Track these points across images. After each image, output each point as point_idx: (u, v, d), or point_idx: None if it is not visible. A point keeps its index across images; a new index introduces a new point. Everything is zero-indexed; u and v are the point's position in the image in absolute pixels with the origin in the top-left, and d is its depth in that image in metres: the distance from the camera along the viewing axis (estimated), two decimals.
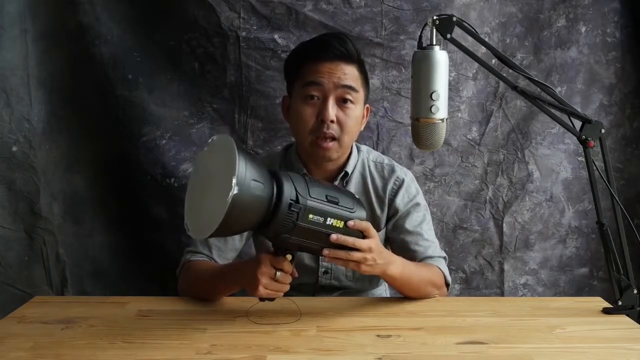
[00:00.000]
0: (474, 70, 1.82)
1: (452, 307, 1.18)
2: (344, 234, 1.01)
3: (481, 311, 1.15)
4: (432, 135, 1.08)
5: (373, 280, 1.40)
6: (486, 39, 1.52)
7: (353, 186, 1.34)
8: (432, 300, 1.22)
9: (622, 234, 1.14)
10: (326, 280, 1.35)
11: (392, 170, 1.36)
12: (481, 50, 1.55)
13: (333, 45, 1.23)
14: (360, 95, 1.27)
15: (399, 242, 1.32)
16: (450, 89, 1.41)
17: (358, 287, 1.38)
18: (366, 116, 1.35)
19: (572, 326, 1.07)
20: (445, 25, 1.08)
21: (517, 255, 1.90)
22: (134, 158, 1.76)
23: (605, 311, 1.15)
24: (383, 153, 1.46)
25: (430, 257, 1.29)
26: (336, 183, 1.32)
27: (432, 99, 1.05)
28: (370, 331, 1.05)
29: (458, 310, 1.16)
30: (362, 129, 1.33)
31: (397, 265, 1.13)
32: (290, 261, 1.04)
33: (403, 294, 1.22)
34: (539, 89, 1.16)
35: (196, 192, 0.99)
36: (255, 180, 0.90)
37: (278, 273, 1.03)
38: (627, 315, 1.13)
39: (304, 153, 1.31)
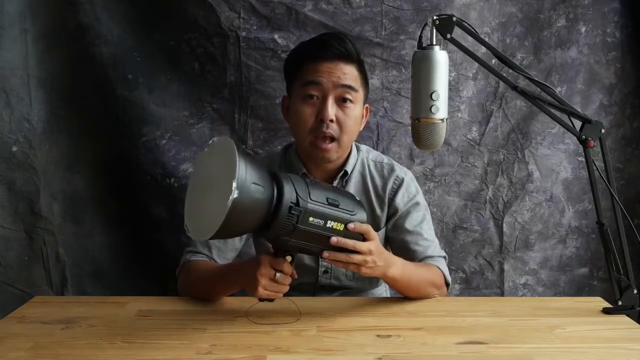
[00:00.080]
0: (474, 70, 1.82)
1: (452, 307, 1.18)
2: (344, 236, 1.01)
3: (481, 311, 1.15)
4: (432, 135, 1.08)
5: (373, 279, 1.40)
6: (486, 39, 1.52)
7: (353, 185, 1.34)
8: (432, 300, 1.22)
9: (622, 234, 1.14)
10: (326, 279, 1.35)
11: (392, 170, 1.36)
12: (481, 50, 1.55)
13: (332, 45, 1.23)
14: (360, 94, 1.27)
15: (398, 242, 1.32)
16: (450, 89, 1.41)
17: (358, 286, 1.38)
18: (366, 116, 1.35)
19: (572, 326, 1.07)
20: (445, 25, 1.08)
21: (517, 255, 1.90)
22: (134, 158, 1.76)
23: (605, 311, 1.15)
24: (383, 153, 1.46)
25: (430, 256, 1.29)
26: (335, 182, 1.32)
27: (432, 99, 1.05)
28: (370, 331, 1.05)
29: (458, 310, 1.16)
30: (361, 128, 1.33)
31: (397, 267, 1.13)
32: (290, 262, 1.04)
33: (403, 295, 1.22)
34: (539, 89, 1.16)
35: (196, 193, 0.99)
36: (256, 184, 0.90)
37: (278, 274, 1.03)
38: (627, 315, 1.13)
39: (304, 153, 1.31)
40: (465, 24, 1.10)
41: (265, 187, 0.92)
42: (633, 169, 1.88)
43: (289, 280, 1.05)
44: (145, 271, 1.81)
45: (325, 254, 1.01)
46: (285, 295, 1.07)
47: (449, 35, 1.08)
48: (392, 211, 1.34)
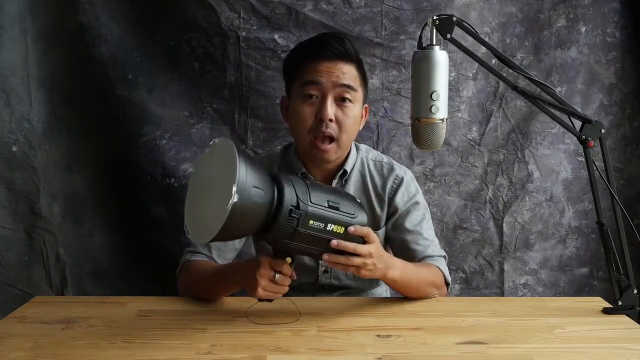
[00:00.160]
0: (474, 70, 1.82)
1: (452, 307, 1.18)
2: (344, 239, 1.01)
3: (481, 311, 1.15)
4: (432, 135, 1.07)
5: (373, 279, 1.40)
6: (486, 39, 1.52)
7: (352, 185, 1.34)
8: (432, 300, 1.22)
9: (622, 234, 1.14)
10: (326, 279, 1.35)
11: (392, 169, 1.36)
12: (481, 50, 1.55)
13: (331, 45, 1.23)
14: (359, 94, 1.27)
15: (398, 241, 1.32)
16: (450, 89, 1.41)
17: (358, 286, 1.38)
18: (365, 116, 1.35)
19: (572, 326, 1.07)
20: (445, 25, 1.08)
21: (517, 255, 1.90)
22: (134, 158, 1.76)
23: (605, 311, 1.15)
24: (383, 153, 1.45)
25: (430, 256, 1.29)
26: (335, 181, 1.32)
27: (432, 99, 1.05)
28: (370, 331, 1.05)
29: (458, 310, 1.16)
30: (360, 128, 1.33)
31: (397, 269, 1.13)
32: (290, 264, 1.04)
33: (403, 295, 1.22)
34: (539, 89, 1.16)
35: (196, 194, 0.98)
36: (256, 187, 0.90)
37: (277, 275, 1.03)
38: (627, 315, 1.12)
39: (303, 153, 1.31)
40: (465, 24, 1.10)
41: (265, 191, 0.91)
42: (633, 169, 1.88)
43: (288, 281, 1.05)
44: (145, 271, 1.81)
45: (325, 256, 1.01)
46: (285, 294, 1.07)
47: (449, 35, 1.08)
48: (392, 210, 1.34)
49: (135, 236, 1.81)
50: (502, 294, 1.90)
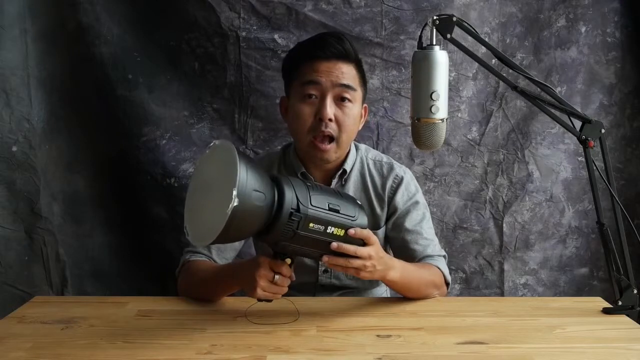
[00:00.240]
0: (474, 70, 1.82)
1: (452, 307, 1.18)
2: (344, 241, 1.01)
3: (481, 311, 1.15)
4: (432, 135, 1.08)
5: (373, 279, 1.40)
6: (486, 39, 1.52)
7: (352, 184, 1.34)
8: (432, 300, 1.22)
9: (622, 234, 1.14)
10: (326, 279, 1.35)
11: (391, 168, 1.36)
12: (481, 50, 1.55)
13: (330, 44, 1.24)
14: (358, 94, 1.27)
15: (398, 241, 1.32)
16: (450, 89, 1.41)
17: (358, 286, 1.38)
18: (364, 115, 1.35)
19: (572, 326, 1.07)
20: (445, 25, 1.08)
21: (517, 255, 1.90)
22: (134, 158, 1.76)
23: (605, 311, 1.15)
24: (383, 153, 1.46)
25: (430, 256, 1.29)
26: (335, 181, 1.32)
27: (432, 99, 1.05)
28: (370, 331, 1.05)
29: (458, 310, 1.16)
30: (360, 128, 1.33)
31: (397, 270, 1.13)
32: (290, 265, 1.04)
33: (403, 296, 1.22)
34: (539, 89, 1.16)
35: (196, 196, 0.98)
36: (257, 191, 0.89)
37: (277, 276, 1.03)
38: (627, 315, 1.13)
39: (303, 153, 1.31)
40: (465, 24, 1.10)
41: (265, 194, 0.91)
42: (633, 169, 1.88)
43: (287, 282, 1.05)
44: (145, 271, 1.81)
45: (325, 258, 1.01)
46: (286, 294, 1.07)
47: (449, 35, 1.08)
48: (392, 210, 1.34)
49: (135, 236, 1.81)
50: (502, 294, 1.90)
